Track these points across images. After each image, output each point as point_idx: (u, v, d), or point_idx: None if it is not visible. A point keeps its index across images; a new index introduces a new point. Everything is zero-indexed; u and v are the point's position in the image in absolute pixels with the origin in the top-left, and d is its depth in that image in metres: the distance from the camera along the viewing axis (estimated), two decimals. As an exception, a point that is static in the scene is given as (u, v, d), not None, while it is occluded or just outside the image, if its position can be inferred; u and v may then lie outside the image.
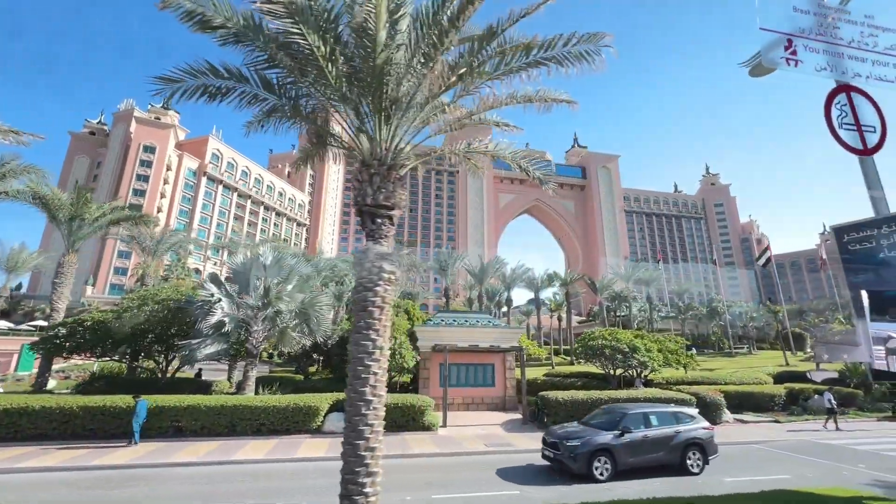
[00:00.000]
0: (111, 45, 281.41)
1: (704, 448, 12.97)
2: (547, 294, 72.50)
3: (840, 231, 8.89)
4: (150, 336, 21.53)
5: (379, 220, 7.26)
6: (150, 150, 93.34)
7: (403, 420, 17.94)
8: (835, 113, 7.40)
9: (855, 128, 7.50)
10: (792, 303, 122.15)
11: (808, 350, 60.66)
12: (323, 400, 17.82)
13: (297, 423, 17.04)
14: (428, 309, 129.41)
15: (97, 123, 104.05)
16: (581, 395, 19.83)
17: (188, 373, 27.13)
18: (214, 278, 20.60)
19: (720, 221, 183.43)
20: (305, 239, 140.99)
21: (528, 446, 16.01)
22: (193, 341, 19.09)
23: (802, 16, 7.89)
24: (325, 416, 17.80)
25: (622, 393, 20.56)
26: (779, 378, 34.54)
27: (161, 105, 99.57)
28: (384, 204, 7.24)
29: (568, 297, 62.85)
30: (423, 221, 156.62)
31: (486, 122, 8.44)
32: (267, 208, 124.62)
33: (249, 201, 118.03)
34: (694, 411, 14.37)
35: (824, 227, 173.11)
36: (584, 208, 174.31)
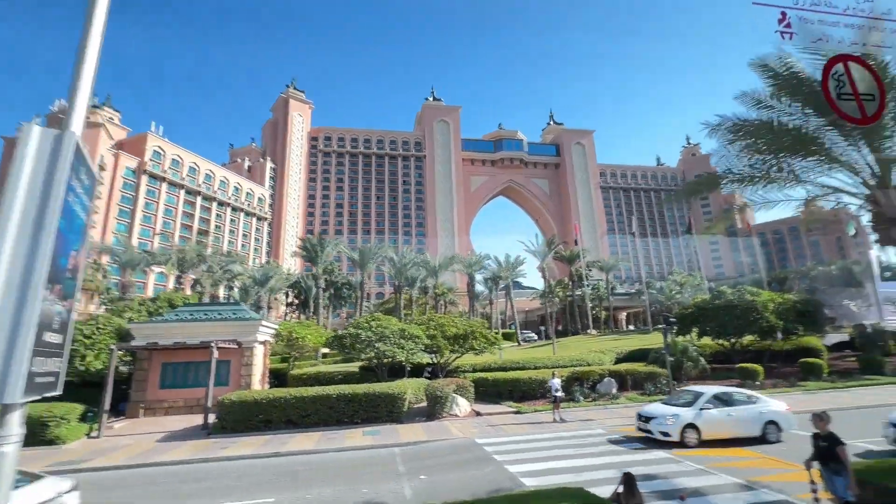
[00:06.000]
0: (65, 44, 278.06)
1: None
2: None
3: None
4: None
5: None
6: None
7: (21, 434, 15.68)
8: (832, 84, 7.29)
9: (853, 97, 7.42)
10: (775, 272, 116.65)
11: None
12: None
13: None
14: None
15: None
16: (262, 394, 17.51)
17: None
18: None
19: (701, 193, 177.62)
20: (268, 233, 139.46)
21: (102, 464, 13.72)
22: None
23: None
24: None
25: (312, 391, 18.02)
26: (626, 358, 31.84)
27: (91, 104, 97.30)
28: None
29: (470, 282, 60.07)
30: (390, 209, 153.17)
31: None
32: (221, 204, 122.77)
33: (200, 198, 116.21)
34: None
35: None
36: (558, 186, 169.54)
